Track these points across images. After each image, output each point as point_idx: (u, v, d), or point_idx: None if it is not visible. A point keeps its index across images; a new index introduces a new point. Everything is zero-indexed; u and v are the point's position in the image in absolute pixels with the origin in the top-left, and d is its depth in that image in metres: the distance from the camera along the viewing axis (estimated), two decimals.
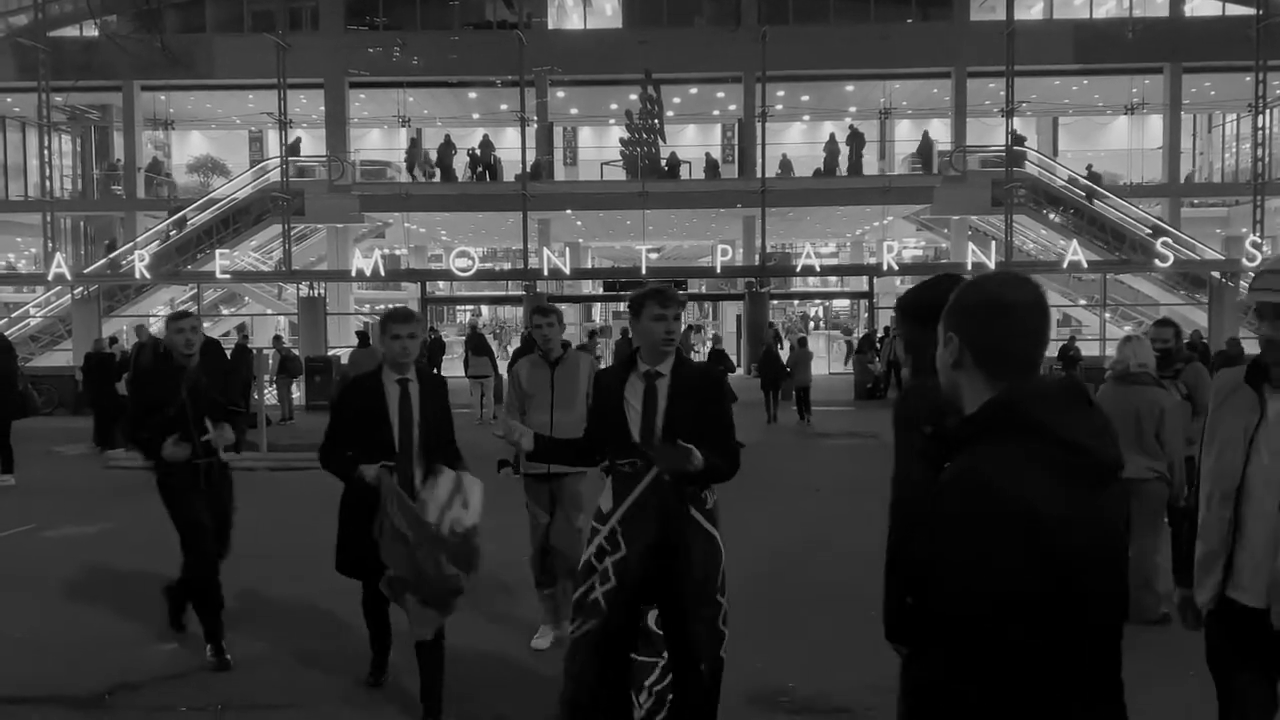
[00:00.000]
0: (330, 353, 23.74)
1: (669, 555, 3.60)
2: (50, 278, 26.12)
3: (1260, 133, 26.56)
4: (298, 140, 29.01)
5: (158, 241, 27.77)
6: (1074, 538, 1.60)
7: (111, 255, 27.71)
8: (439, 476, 4.19)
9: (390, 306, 7.79)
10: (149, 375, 6.22)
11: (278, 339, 22.07)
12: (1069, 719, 1.65)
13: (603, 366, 5.23)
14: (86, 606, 6.44)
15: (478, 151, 29.15)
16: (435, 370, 22.13)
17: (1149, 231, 26.28)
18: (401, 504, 4.05)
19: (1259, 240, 25.61)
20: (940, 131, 30.72)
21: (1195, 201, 32.87)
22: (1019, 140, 28.13)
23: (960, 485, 1.66)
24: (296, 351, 21.76)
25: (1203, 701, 4.67)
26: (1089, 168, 29.04)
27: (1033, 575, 1.57)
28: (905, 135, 34.54)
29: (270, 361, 20.08)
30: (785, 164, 28.26)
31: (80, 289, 26.94)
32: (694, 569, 3.58)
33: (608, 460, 3.81)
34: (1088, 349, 23.66)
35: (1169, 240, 25.61)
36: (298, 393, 20.39)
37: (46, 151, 27.62)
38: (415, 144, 30.38)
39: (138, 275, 25.79)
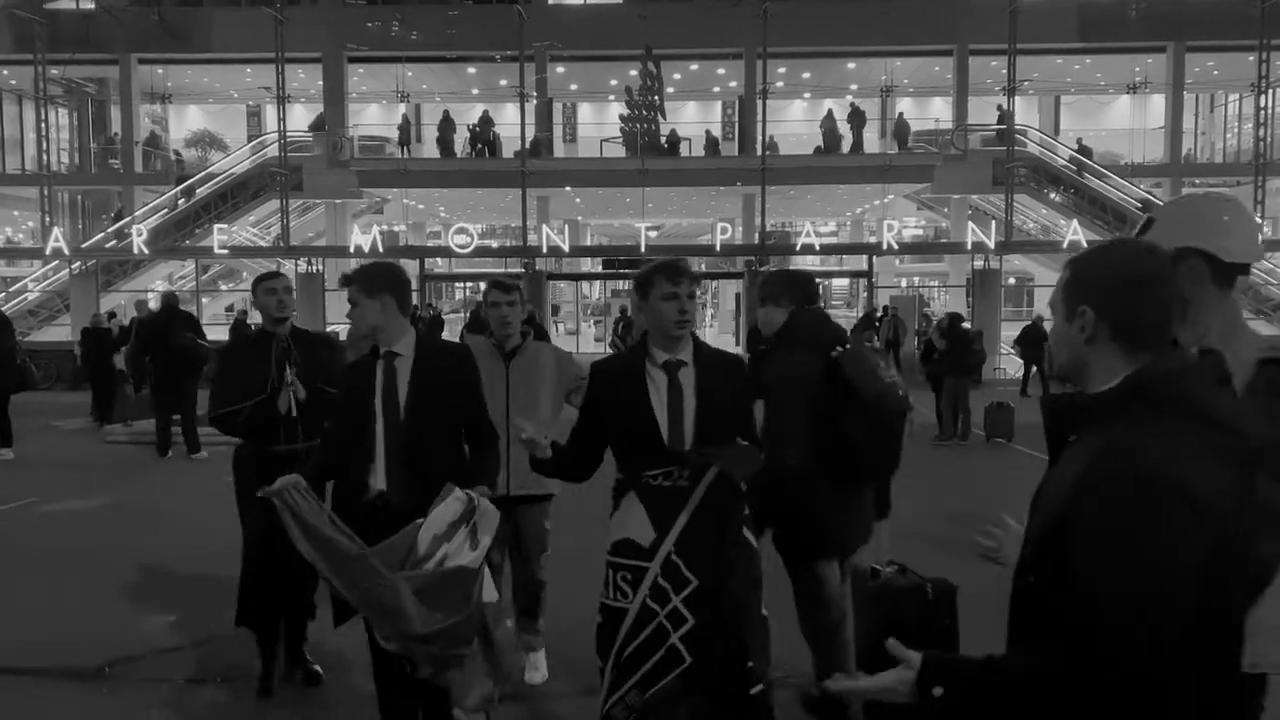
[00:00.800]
0: (328, 329, 23.73)
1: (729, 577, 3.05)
2: (48, 252, 26.08)
3: (1262, 113, 26.44)
4: (320, 116, 28.78)
5: (166, 210, 27.63)
6: (1235, 522, 1.50)
7: (118, 225, 27.53)
8: (448, 498, 3.25)
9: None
10: (234, 349, 5.44)
11: (243, 313, 22.04)
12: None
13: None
14: (85, 580, 6.48)
15: (477, 128, 29.01)
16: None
17: (1139, 205, 26.23)
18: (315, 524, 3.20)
19: (1259, 220, 25.56)
20: (941, 110, 30.56)
21: (1196, 182, 32.77)
22: (1087, 153, 28.12)
23: (1113, 465, 1.54)
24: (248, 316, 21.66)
25: None
26: (1079, 141, 28.87)
27: (1193, 562, 1.47)
28: (907, 113, 34.40)
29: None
30: (771, 145, 28.05)
31: (78, 264, 26.89)
32: (743, 587, 3.06)
33: (625, 475, 3.19)
34: None
35: None
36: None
37: (43, 125, 27.48)
38: (407, 122, 30.17)
39: (136, 250, 25.75)
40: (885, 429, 3.69)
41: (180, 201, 27.60)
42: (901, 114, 30.31)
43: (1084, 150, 28.42)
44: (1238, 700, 1.62)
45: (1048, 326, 19.66)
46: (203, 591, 6.00)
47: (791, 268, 30.21)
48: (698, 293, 3.21)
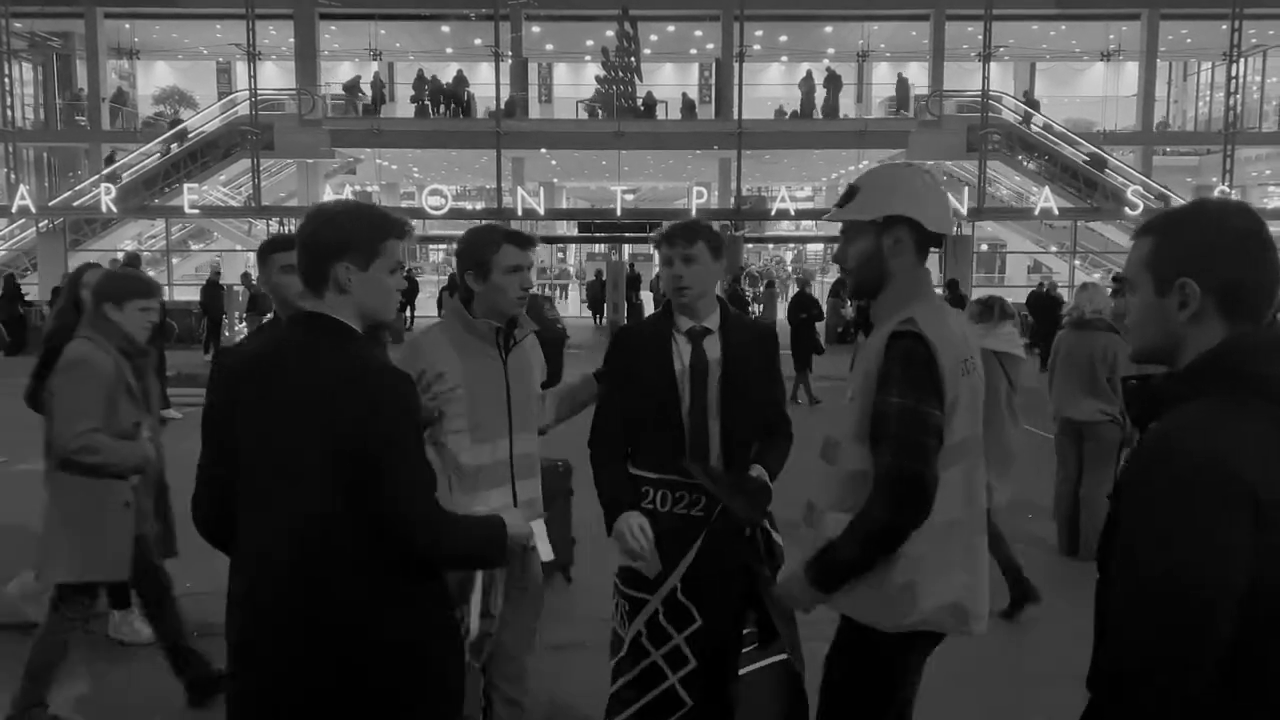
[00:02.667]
0: None
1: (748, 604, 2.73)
2: (14, 210, 25.67)
3: (1234, 81, 26.66)
4: (356, 78, 28.04)
5: (158, 154, 27.22)
6: None
7: (113, 167, 27.03)
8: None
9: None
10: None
11: (246, 276, 21.89)
12: None
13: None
14: None
15: (428, 84, 28.47)
16: (409, 311, 22.06)
17: (1086, 159, 26.45)
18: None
19: (1227, 190, 25.86)
20: (917, 75, 30.58)
21: (1167, 150, 33.05)
22: (1035, 105, 28.19)
23: (1148, 453, 1.46)
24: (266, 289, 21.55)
25: None
26: (1025, 93, 28.78)
27: (1240, 567, 1.36)
28: (883, 78, 34.37)
29: (240, 298, 19.95)
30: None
31: (45, 222, 26.48)
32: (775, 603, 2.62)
33: (643, 471, 2.84)
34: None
35: (1139, 188, 25.79)
36: None
37: (7, 80, 26.92)
38: (379, 80, 29.76)
39: (104, 209, 25.39)
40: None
41: (174, 146, 27.09)
42: (901, 74, 30.17)
43: (1031, 103, 28.43)
44: None
45: (1064, 293, 19.61)
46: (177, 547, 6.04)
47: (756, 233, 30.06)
48: (692, 253, 2.82)
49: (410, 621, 1.97)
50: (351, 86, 28.35)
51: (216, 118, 28.27)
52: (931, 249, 2.38)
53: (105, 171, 26.90)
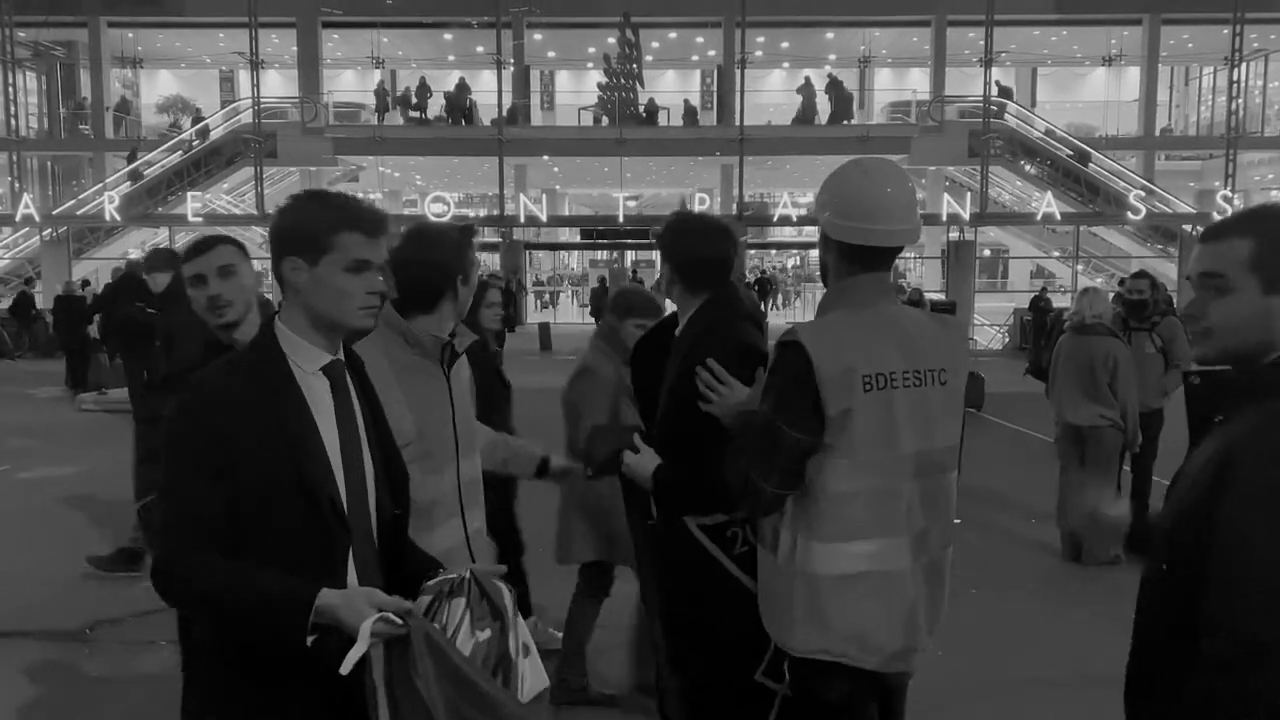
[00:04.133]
0: None
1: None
2: (18, 219, 25.74)
3: (1236, 85, 26.66)
4: (407, 89, 27.91)
5: (181, 152, 27.49)
6: None
7: (133, 165, 27.12)
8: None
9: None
10: None
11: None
12: None
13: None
14: (63, 546, 6.52)
15: (415, 95, 28.60)
16: None
17: (1070, 154, 26.50)
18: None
19: (1230, 194, 25.86)
20: (919, 81, 30.60)
21: (1169, 155, 33.05)
22: (1008, 94, 28.15)
23: (1268, 445, 1.46)
24: (270, 296, 21.58)
25: None
26: (997, 84, 28.70)
27: None
28: (885, 84, 34.41)
29: None
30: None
31: (49, 230, 26.56)
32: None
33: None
34: (1059, 301, 23.94)
35: (1141, 193, 25.79)
36: None
37: (11, 89, 27.00)
38: (383, 88, 29.85)
39: (108, 217, 25.45)
40: None
41: (195, 143, 27.25)
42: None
43: (1004, 92, 28.37)
44: None
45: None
46: None
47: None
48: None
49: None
50: (405, 100, 28.37)
51: (220, 126, 28.35)
52: (879, 255, 2.16)
53: (126, 169, 26.99)
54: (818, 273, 26.49)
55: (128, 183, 26.91)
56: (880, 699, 2.23)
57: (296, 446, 1.73)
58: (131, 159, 27.40)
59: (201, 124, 28.11)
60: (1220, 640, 1.45)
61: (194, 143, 27.35)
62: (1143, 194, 25.97)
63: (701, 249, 2.55)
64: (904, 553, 2.13)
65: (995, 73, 26.04)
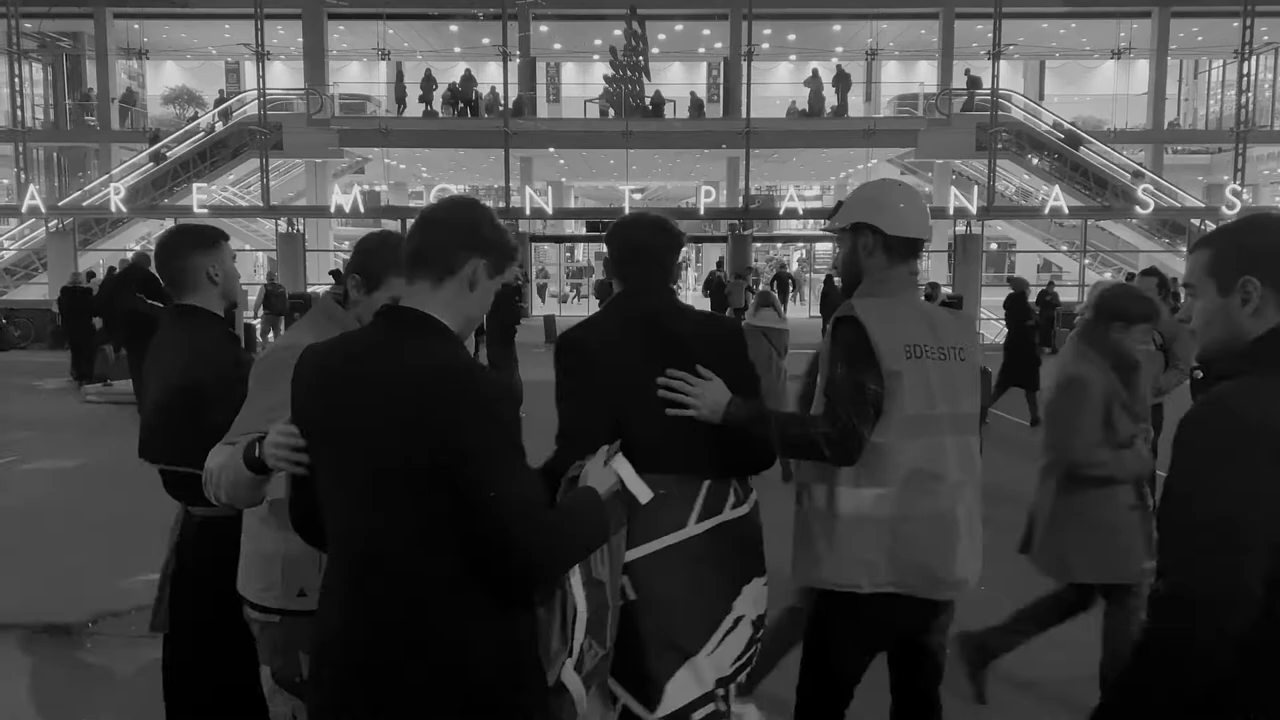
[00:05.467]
0: (309, 290, 23.61)
1: None
2: (24, 210, 25.75)
3: (1245, 79, 26.50)
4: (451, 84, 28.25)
5: (193, 139, 27.61)
6: None
7: (155, 147, 27.15)
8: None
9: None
10: None
11: (272, 276, 21.89)
12: None
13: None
14: (67, 538, 6.51)
15: (459, 86, 28.69)
16: None
17: (1061, 135, 26.38)
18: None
19: (1239, 188, 25.72)
20: (927, 74, 30.47)
21: (1178, 148, 32.90)
22: (975, 83, 27.98)
23: (1200, 412, 1.65)
24: (284, 287, 21.43)
25: None
26: (967, 72, 28.50)
27: (1271, 512, 1.55)
28: (891, 77, 34.29)
29: (254, 297, 19.93)
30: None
31: (55, 222, 26.56)
32: None
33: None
34: (1067, 295, 23.84)
35: (1150, 187, 25.67)
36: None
37: (17, 80, 26.99)
38: (400, 78, 29.80)
39: (113, 209, 25.45)
40: None
41: (218, 125, 27.51)
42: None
43: (972, 81, 28.25)
44: None
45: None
46: None
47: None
48: None
49: (502, 640, 1.81)
50: (451, 97, 28.39)
51: (234, 113, 28.36)
52: (912, 251, 2.62)
53: (148, 150, 27.06)
54: (826, 266, 26.45)
55: (151, 164, 26.88)
56: (916, 626, 2.61)
57: None
58: (154, 140, 27.45)
59: (224, 105, 28.11)
60: (1158, 586, 1.63)
61: (216, 125, 27.36)
62: (1131, 177, 25.93)
63: (632, 240, 2.62)
64: (948, 497, 2.49)
65: (972, 64, 25.95)
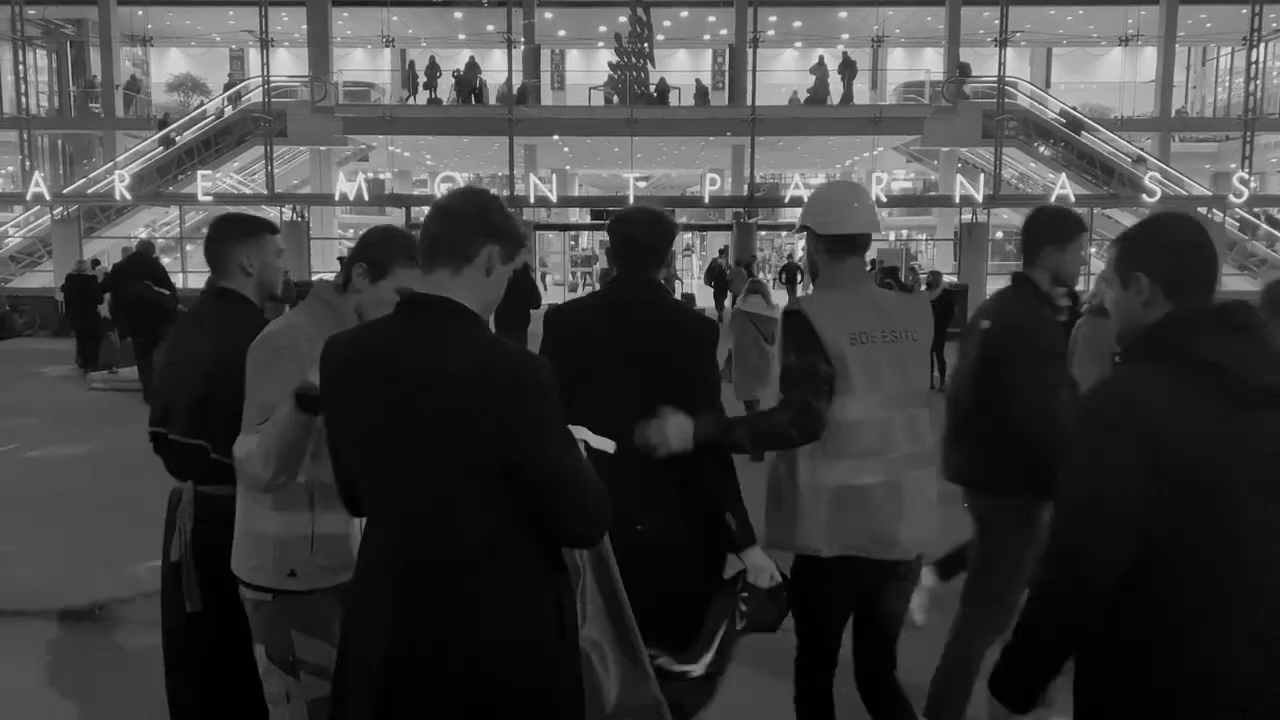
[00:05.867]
0: (314, 277, 23.59)
1: None
2: (29, 197, 25.76)
3: (1254, 66, 26.33)
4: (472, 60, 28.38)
5: (205, 121, 27.63)
6: (1201, 453, 1.71)
7: (164, 131, 27.14)
8: None
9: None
10: None
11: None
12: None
13: None
14: (72, 524, 6.52)
15: (463, 73, 28.58)
16: None
17: (1060, 119, 26.14)
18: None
19: (1246, 176, 25.58)
20: (933, 61, 30.31)
21: (1185, 136, 32.73)
22: (965, 70, 27.88)
23: (1086, 397, 1.90)
24: (291, 276, 21.48)
25: None
26: (961, 67, 28.30)
27: (1145, 485, 1.72)
28: (898, 64, 34.12)
29: None
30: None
31: (60, 209, 26.58)
32: None
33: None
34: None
35: (1156, 175, 25.54)
36: None
37: (21, 67, 26.97)
38: (413, 67, 29.60)
39: (118, 196, 25.44)
40: None
41: (227, 110, 27.47)
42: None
43: (963, 68, 28.12)
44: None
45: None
46: None
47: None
48: None
49: (540, 606, 1.92)
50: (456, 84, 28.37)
51: (229, 104, 28.30)
52: (854, 246, 2.83)
53: (157, 135, 27.09)
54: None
55: (160, 148, 26.87)
56: (879, 585, 2.81)
57: None
58: (163, 125, 27.46)
59: (234, 89, 28.07)
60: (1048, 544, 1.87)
61: (225, 109, 27.33)
62: (1132, 163, 25.87)
63: (626, 233, 2.82)
64: (897, 468, 2.72)
65: (1018, 56, 25.82)
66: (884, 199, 26.43)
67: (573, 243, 35.68)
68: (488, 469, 1.81)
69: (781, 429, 2.62)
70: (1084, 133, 26.81)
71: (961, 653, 3.35)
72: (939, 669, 3.39)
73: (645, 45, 27.19)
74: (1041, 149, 27.42)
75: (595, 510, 1.89)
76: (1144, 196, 25.33)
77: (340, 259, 3.16)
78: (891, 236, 35.90)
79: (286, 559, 2.43)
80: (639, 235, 2.78)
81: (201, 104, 29.87)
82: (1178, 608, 1.75)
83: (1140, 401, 1.77)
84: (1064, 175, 24.92)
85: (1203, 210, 26.34)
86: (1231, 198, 25.43)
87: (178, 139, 26.95)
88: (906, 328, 2.79)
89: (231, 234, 2.94)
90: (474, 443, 1.80)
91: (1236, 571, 1.74)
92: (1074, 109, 27.76)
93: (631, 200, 26.80)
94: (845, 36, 31.91)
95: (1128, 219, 28.49)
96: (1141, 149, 27.31)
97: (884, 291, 2.95)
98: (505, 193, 26.97)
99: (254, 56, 30.67)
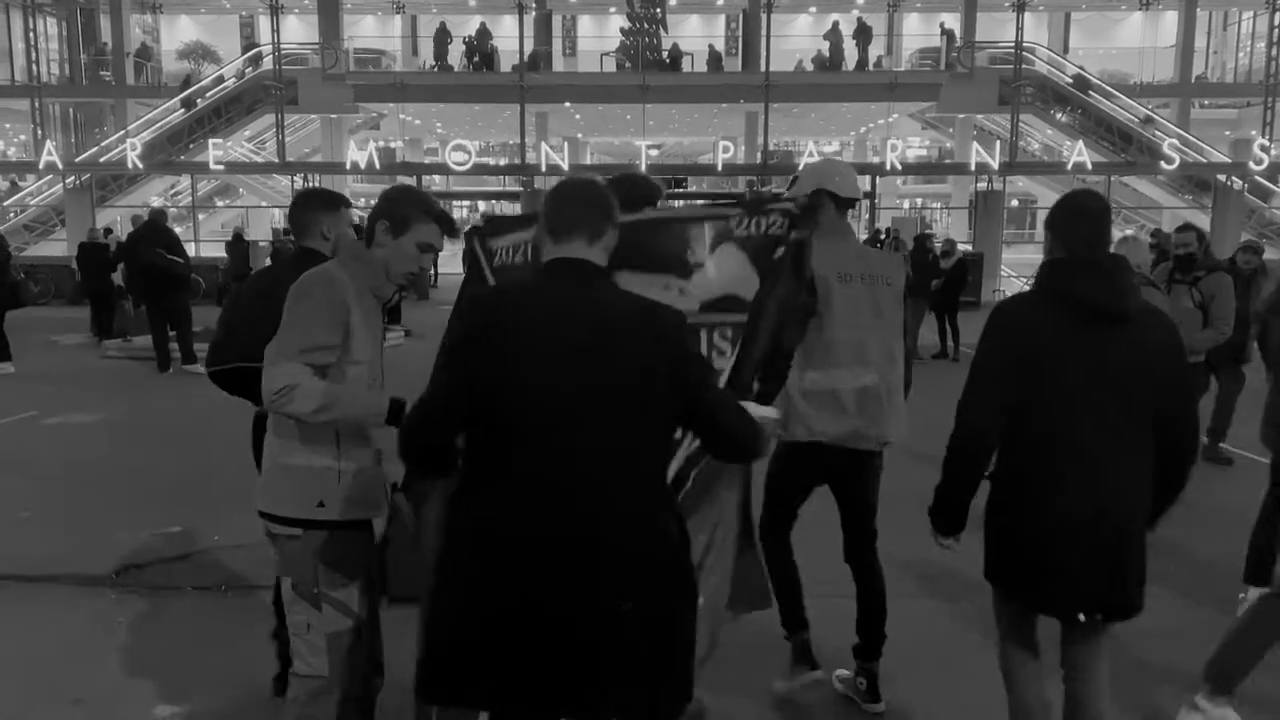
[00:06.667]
0: None
1: None
2: (41, 166, 25.78)
3: (1276, 31, 25.87)
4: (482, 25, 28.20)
5: (225, 84, 27.68)
6: (1044, 355, 2.58)
7: (187, 93, 27.17)
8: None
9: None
10: None
11: (286, 230, 21.81)
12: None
13: None
14: (88, 491, 6.56)
15: (474, 40, 28.36)
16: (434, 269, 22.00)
17: (1069, 81, 25.69)
18: None
19: (1266, 143, 25.23)
20: (949, 25, 29.87)
21: (1205, 103, 32.26)
22: (950, 37, 27.60)
23: (989, 320, 2.71)
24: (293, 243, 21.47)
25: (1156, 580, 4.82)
26: (942, 25, 27.70)
27: (1011, 371, 2.61)
28: (913, 29, 33.66)
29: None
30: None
31: (72, 178, 26.60)
32: None
33: None
34: None
35: (1175, 142, 25.19)
36: None
37: (31, 34, 26.88)
38: (444, 31, 29.23)
39: (130, 165, 25.43)
40: None
41: (248, 71, 27.44)
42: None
43: (948, 35, 27.95)
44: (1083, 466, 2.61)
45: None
46: (205, 503, 6.09)
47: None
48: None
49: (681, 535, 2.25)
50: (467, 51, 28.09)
51: (232, 75, 28.17)
52: (852, 205, 3.57)
53: (181, 95, 27.15)
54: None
55: (181, 110, 26.88)
56: (847, 470, 3.54)
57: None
58: (186, 84, 27.39)
59: (254, 50, 27.96)
60: None
61: (245, 71, 27.23)
62: (1140, 123, 25.53)
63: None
64: (871, 375, 3.41)
65: (1035, 21, 25.42)
66: (898, 166, 26.14)
67: None
68: (668, 404, 2.13)
69: (778, 370, 3.15)
70: (1091, 93, 26.40)
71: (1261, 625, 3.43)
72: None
73: (658, 10, 26.90)
74: (1059, 116, 27.07)
75: (748, 430, 2.27)
76: (1162, 164, 25.02)
77: (355, 226, 3.26)
78: (906, 205, 35.65)
79: (314, 490, 2.61)
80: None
81: (217, 69, 29.76)
82: (1025, 461, 2.65)
83: (1010, 322, 2.67)
84: (1080, 143, 24.61)
85: (1222, 178, 26.02)
86: (1251, 165, 25.08)
87: (199, 102, 26.91)
88: (883, 273, 3.49)
89: (316, 205, 3.40)
90: (658, 387, 2.11)
91: (1067, 436, 2.58)
92: (1083, 69, 27.34)
93: (644, 169, 26.66)
94: (860, 1, 31.50)
95: (1146, 187, 28.22)
96: (1150, 110, 26.81)
97: (865, 246, 3.75)
98: (516, 161, 26.86)
99: (264, 24, 30.49)
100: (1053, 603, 2.69)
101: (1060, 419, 2.56)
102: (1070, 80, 26.93)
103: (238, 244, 19.54)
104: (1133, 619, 2.70)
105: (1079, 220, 2.68)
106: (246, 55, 28.04)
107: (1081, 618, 2.66)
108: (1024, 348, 2.57)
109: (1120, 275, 2.60)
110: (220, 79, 27.94)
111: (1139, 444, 2.61)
